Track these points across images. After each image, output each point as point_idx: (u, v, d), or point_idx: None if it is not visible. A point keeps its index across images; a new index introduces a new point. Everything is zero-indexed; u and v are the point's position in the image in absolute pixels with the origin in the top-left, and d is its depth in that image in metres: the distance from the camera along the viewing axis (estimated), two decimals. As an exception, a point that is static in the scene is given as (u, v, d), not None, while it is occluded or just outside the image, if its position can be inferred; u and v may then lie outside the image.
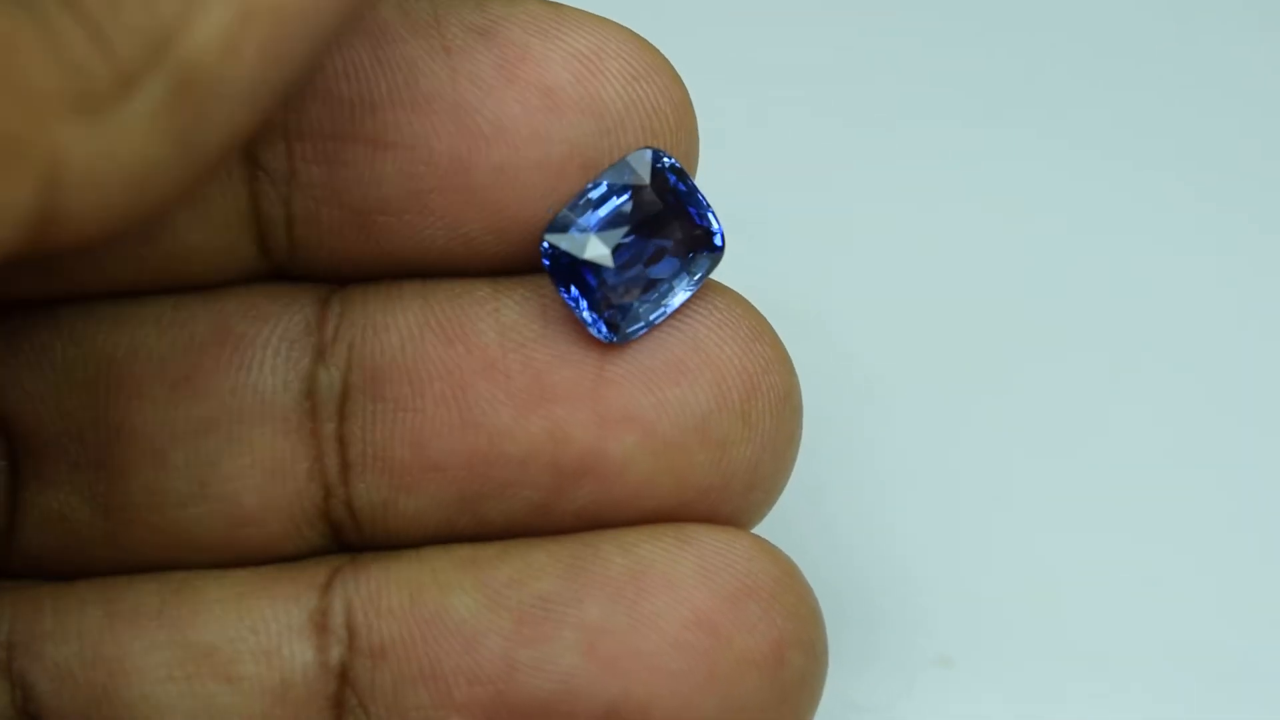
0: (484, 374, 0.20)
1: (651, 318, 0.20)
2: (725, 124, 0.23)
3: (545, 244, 0.19)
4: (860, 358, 0.29)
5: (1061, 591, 0.26)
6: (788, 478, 0.21)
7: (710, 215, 0.20)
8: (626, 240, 0.19)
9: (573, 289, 0.19)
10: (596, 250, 0.19)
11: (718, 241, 0.20)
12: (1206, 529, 0.27)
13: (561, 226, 0.19)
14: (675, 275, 0.20)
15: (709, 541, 0.19)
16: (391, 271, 0.20)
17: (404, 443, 0.20)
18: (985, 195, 0.31)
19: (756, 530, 0.21)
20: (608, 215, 0.19)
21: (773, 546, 0.20)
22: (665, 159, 0.19)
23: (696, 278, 0.20)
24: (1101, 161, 0.32)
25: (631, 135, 0.19)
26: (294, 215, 0.20)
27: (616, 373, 0.19)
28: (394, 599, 0.20)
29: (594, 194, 0.19)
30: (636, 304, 0.19)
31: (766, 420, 0.20)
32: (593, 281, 0.19)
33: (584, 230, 0.19)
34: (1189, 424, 0.28)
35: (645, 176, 0.19)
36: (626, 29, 0.20)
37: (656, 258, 0.20)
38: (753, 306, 0.20)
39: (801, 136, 0.32)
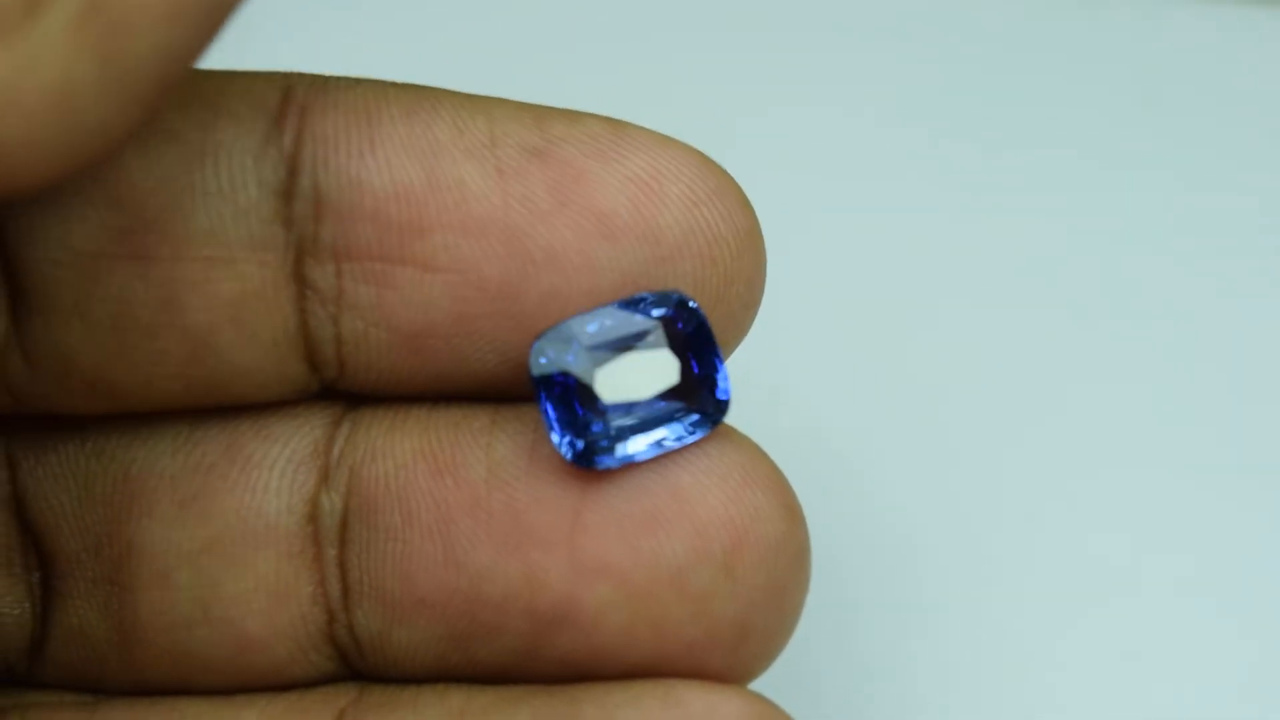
0: (469, 511, 0.19)
1: (627, 455, 0.19)
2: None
3: (536, 347, 0.19)
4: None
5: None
6: (790, 630, 0.19)
7: (721, 377, 0.19)
8: (624, 372, 0.19)
9: (549, 406, 0.19)
10: (584, 365, 0.18)
11: (721, 407, 0.19)
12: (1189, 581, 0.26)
13: (562, 336, 0.19)
14: (666, 422, 0.19)
15: (695, 702, 0.18)
16: (440, 393, 0.20)
17: (394, 574, 0.19)
18: (975, 225, 0.31)
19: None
20: (611, 340, 0.19)
21: (768, 705, 0.19)
22: (696, 309, 0.19)
23: (689, 436, 0.19)
24: (1095, 178, 0.32)
25: (689, 263, 0.19)
26: (342, 335, 0.19)
27: (593, 520, 0.19)
28: None
29: (607, 319, 0.19)
30: (614, 438, 0.19)
31: (755, 573, 0.19)
32: (575, 402, 0.19)
33: (579, 346, 0.19)
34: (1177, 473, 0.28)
35: (669, 317, 0.19)
36: (691, 149, 0.19)
37: (654, 399, 0.19)
38: (754, 447, 0.19)
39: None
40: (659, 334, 0.19)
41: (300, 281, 0.19)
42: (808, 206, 0.31)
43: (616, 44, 0.34)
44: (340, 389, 0.20)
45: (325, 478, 0.20)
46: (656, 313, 0.19)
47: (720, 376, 0.19)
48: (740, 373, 0.21)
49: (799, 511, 0.19)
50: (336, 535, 0.20)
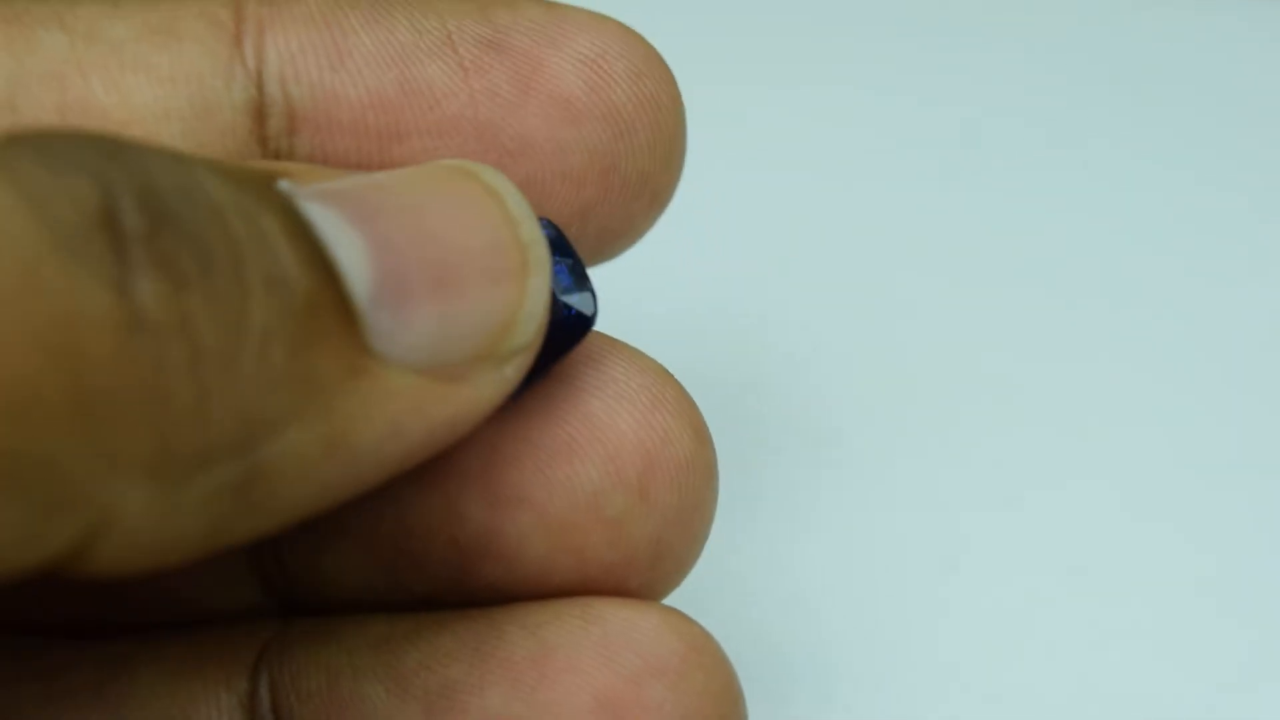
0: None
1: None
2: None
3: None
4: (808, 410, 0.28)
5: (979, 652, 0.26)
6: (701, 546, 0.20)
7: (579, 293, 0.19)
8: None
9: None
10: None
11: (585, 322, 0.19)
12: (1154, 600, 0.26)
13: None
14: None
15: (614, 619, 0.19)
16: None
17: None
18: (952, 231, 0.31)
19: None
20: None
21: (684, 619, 0.19)
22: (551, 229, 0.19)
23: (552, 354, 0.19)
24: (1088, 169, 0.32)
25: (642, 134, 0.20)
26: None
27: (508, 451, 0.19)
28: (312, 682, 0.20)
29: None
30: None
31: (667, 494, 0.19)
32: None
33: None
34: (1144, 487, 0.28)
35: None
36: (620, 24, 0.20)
37: None
38: (660, 370, 0.19)
39: (778, 148, 0.32)
40: None
41: None
42: (799, 197, 0.31)
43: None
44: None
45: None
46: None
47: (580, 291, 0.19)
48: (733, 362, 0.21)
49: (706, 432, 0.20)
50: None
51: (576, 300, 0.19)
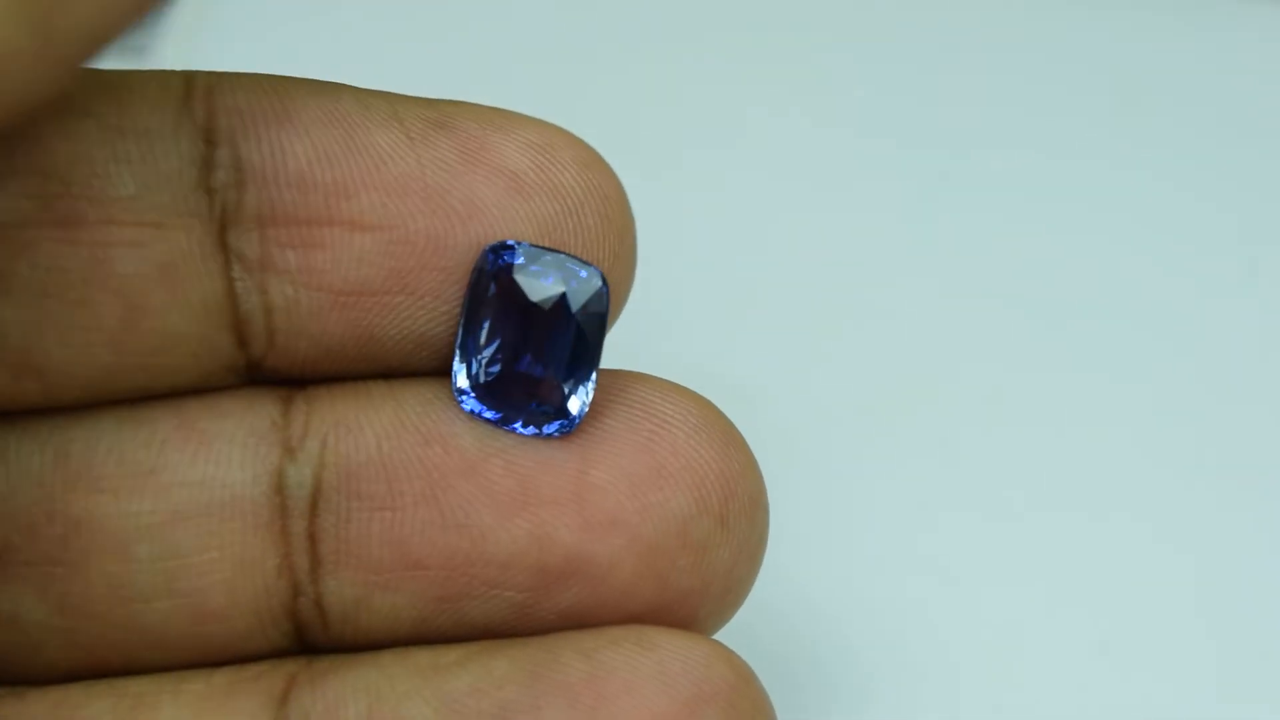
0: (464, 476, 0.20)
1: (580, 392, 0.20)
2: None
3: (464, 403, 0.20)
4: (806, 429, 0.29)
5: (1025, 673, 0.26)
6: (755, 579, 0.21)
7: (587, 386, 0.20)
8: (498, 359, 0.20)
9: (513, 423, 0.20)
10: (492, 368, 0.20)
11: (601, 293, 0.20)
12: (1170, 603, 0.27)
13: (457, 374, 0.20)
14: (574, 340, 0.20)
15: (668, 647, 0.19)
16: (371, 359, 0.20)
17: (381, 541, 0.20)
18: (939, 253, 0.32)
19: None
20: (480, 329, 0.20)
21: (729, 650, 0.20)
22: (510, 244, 0.20)
23: (595, 336, 0.20)
24: (1077, 176, 0.32)
25: (590, 217, 0.20)
26: (271, 303, 0.20)
27: (600, 478, 0.20)
28: (351, 710, 0.19)
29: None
30: (567, 394, 0.20)
31: (742, 524, 0.20)
32: (518, 396, 0.20)
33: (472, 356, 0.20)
34: (1158, 493, 0.28)
35: (492, 270, 0.20)
36: (564, 129, 0.20)
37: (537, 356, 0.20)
38: (720, 412, 0.20)
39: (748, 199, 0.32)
40: (497, 287, 0.20)
41: (225, 250, 0.19)
42: (785, 208, 0.31)
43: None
44: (268, 366, 0.20)
45: (289, 450, 0.20)
46: (482, 281, 0.20)
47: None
48: (718, 371, 0.22)
49: (760, 472, 0.20)
50: (306, 507, 0.20)
51: (579, 280, 0.20)
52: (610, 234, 0.20)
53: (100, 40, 0.16)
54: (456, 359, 0.20)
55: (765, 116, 0.33)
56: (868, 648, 0.26)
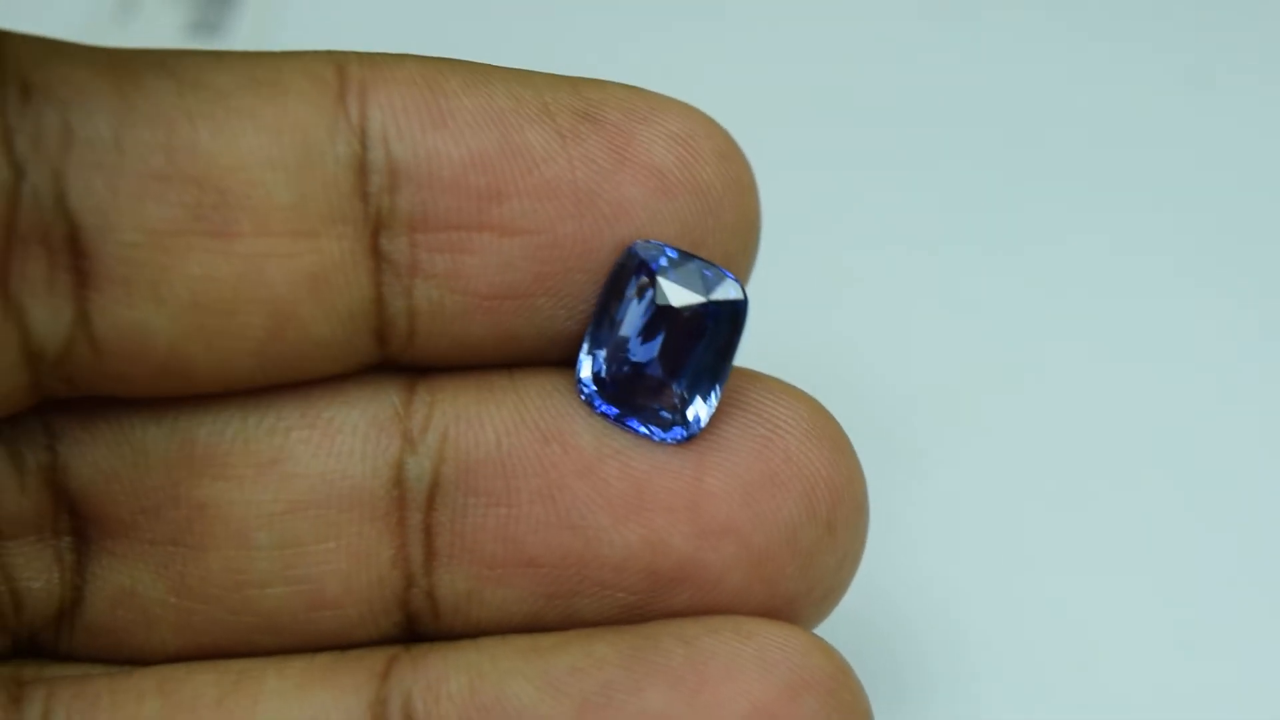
0: (581, 477, 0.20)
1: (707, 403, 0.20)
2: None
3: (583, 392, 0.20)
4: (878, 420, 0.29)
5: (1106, 669, 0.27)
6: (854, 578, 0.21)
7: (720, 282, 0.20)
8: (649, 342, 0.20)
9: (631, 420, 0.20)
10: (621, 365, 0.20)
11: (741, 306, 0.20)
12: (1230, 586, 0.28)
13: (584, 363, 0.20)
14: (708, 351, 0.20)
15: (767, 636, 0.20)
16: (507, 355, 0.20)
17: (496, 536, 0.20)
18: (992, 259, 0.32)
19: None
20: (620, 326, 0.20)
21: (826, 643, 0.20)
22: (660, 246, 0.20)
23: (728, 348, 0.20)
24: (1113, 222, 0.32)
25: (729, 215, 0.20)
26: (416, 307, 0.20)
27: (714, 485, 0.20)
28: (453, 686, 0.20)
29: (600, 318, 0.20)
30: (685, 397, 0.20)
31: (848, 530, 0.20)
32: (642, 397, 0.20)
33: (600, 347, 0.20)
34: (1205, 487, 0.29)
35: (641, 274, 0.20)
36: (700, 110, 0.20)
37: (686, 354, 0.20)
38: (832, 416, 0.21)
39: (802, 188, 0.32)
40: (643, 291, 0.20)
41: (376, 255, 0.20)
42: (814, 215, 0.32)
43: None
44: (404, 361, 0.21)
45: (410, 442, 0.20)
46: (629, 280, 0.20)
47: (719, 282, 0.20)
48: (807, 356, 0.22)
49: (864, 475, 0.21)
50: (424, 500, 0.20)
51: (721, 291, 0.20)
52: (743, 227, 0.21)
53: None
54: (585, 349, 0.20)
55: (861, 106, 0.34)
56: (944, 640, 0.26)
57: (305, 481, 0.20)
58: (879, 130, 0.33)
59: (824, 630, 0.21)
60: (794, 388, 0.21)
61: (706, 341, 0.20)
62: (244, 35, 0.32)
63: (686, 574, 0.20)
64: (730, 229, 0.20)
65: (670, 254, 0.20)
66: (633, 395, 0.20)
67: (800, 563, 0.20)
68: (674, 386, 0.20)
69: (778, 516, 0.20)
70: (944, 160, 0.33)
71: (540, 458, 0.20)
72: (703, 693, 0.19)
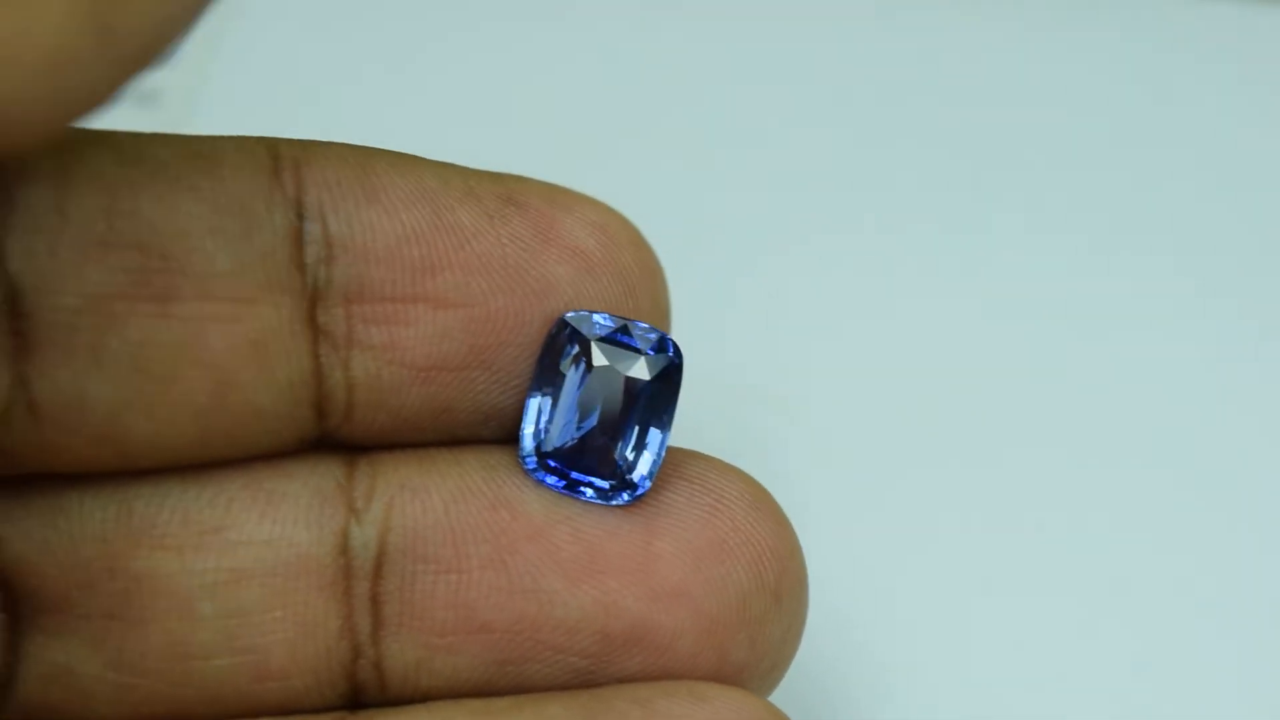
0: (532, 541, 0.20)
1: (650, 460, 0.20)
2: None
3: (527, 465, 0.20)
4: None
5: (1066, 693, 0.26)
6: (795, 655, 0.21)
7: (657, 452, 0.20)
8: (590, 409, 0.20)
9: (581, 490, 0.20)
10: (566, 437, 0.20)
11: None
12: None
13: (532, 449, 0.20)
14: (646, 409, 0.20)
15: (722, 701, 0.20)
16: (442, 430, 0.21)
17: (447, 604, 0.20)
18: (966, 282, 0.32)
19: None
20: (559, 403, 0.20)
21: (780, 711, 0.20)
22: (587, 314, 0.20)
23: (667, 403, 0.20)
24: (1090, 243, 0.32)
25: (645, 297, 0.21)
26: (354, 379, 0.20)
27: (664, 548, 0.20)
28: None
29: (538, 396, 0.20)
30: (628, 457, 0.20)
31: (793, 601, 0.21)
32: (588, 465, 0.20)
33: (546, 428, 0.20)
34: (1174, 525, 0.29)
35: (573, 343, 0.20)
36: (612, 209, 0.21)
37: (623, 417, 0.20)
38: (769, 494, 0.21)
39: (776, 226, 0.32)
40: (576, 360, 0.20)
41: (313, 326, 0.20)
42: (800, 221, 0.32)
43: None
44: (341, 435, 0.21)
45: (354, 511, 0.20)
46: (563, 354, 0.20)
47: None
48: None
49: (802, 550, 0.21)
50: (370, 569, 0.20)
51: (655, 351, 0.20)
52: (658, 312, 0.21)
53: (160, 41, 0.16)
54: (525, 424, 0.20)
55: (800, 122, 0.34)
56: (899, 672, 0.26)
57: (250, 549, 0.20)
58: (847, 141, 0.34)
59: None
60: (733, 466, 0.21)
61: (646, 402, 0.20)
62: (173, 104, 0.32)
63: (639, 636, 0.20)
64: (647, 312, 0.21)
65: (601, 320, 0.20)
66: (576, 463, 0.20)
67: (750, 631, 0.20)
68: (616, 450, 0.20)
69: (728, 582, 0.20)
70: (925, 163, 0.33)
71: (490, 524, 0.20)
72: None
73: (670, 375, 0.20)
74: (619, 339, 0.20)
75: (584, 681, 0.20)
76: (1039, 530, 0.28)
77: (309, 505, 0.20)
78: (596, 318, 0.20)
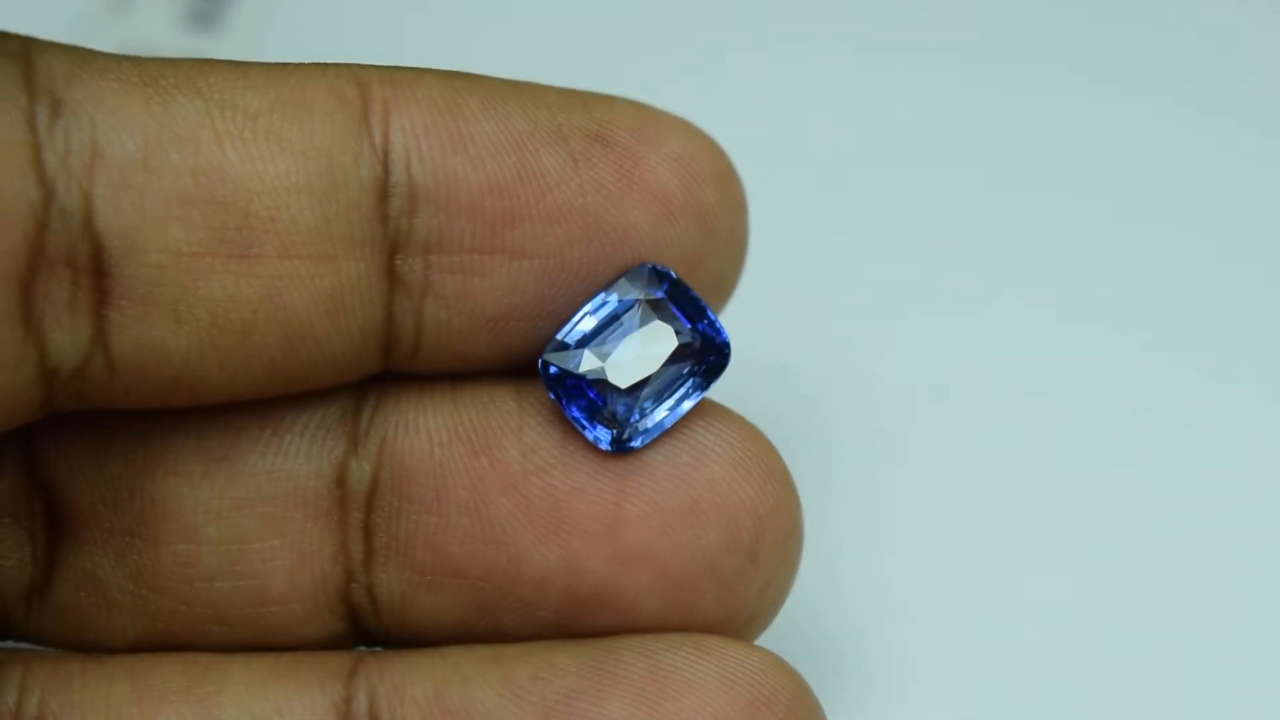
0: (505, 492, 0.20)
1: (658, 425, 0.20)
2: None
3: (542, 363, 0.20)
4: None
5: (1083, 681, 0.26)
6: (782, 605, 0.21)
7: (716, 324, 0.20)
8: (629, 353, 0.20)
9: (574, 407, 0.20)
10: (592, 364, 0.20)
11: (724, 351, 0.20)
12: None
13: (561, 346, 0.20)
14: (680, 382, 0.20)
15: (727, 652, 0.20)
16: (501, 368, 0.21)
17: (426, 545, 0.21)
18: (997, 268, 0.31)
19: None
20: (609, 330, 0.20)
21: (785, 662, 0.20)
22: (668, 272, 0.20)
23: (701, 387, 0.20)
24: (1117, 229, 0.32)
25: (724, 234, 0.21)
26: (424, 325, 0.20)
27: (633, 512, 0.20)
28: (418, 690, 0.20)
29: (596, 310, 0.20)
30: (637, 415, 0.20)
31: (772, 558, 0.20)
32: (594, 395, 0.20)
33: (583, 346, 0.20)
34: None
35: (649, 290, 0.20)
36: (700, 129, 0.21)
37: (663, 366, 0.20)
38: (767, 441, 0.21)
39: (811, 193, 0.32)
40: (645, 309, 0.20)
41: (391, 275, 0.20)
42: (812, 203, 0.32)
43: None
44: (403, 371, 0.21)
45: (354, 445, 0.21)
46: (634, 291, 0.20)
47: (716, 327, 0.20)
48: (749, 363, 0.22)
49: (799, 501, 0.21)
50: (364, 500, 0.21)
51: (707, 332, 0.20)
52: (735, 247, 0.21)
53: None
54: (563, 339, 0.20)
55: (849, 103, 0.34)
56: (906, 651, 0.26)
57: (253, 480, 0.21)
58: (872, 134, 0.33)
59: (793, 642, 0.21)
60: (728, 411, 0.21)
61: (682, 370, 0.20)
62: (239, 27, 0.32)
63: (602, 598, 0.20)
64: (724, 249, 0.21)
65: (670, 285, 0.20)
66: (587, 397, 0.20)
67: (720, 591, 0.20)
68: (628, 401, 0.20)
69: (696, 546, 0.20)
70: (942, 160, 0.33)
71: (469, 470, 0.20)
72: (664, 704, 0.20)
73: (715, 362, 0.20)
74: (676, 314, 0.20)
75: (556, 634, 0.20)
76: (1078, 520, 0.28)
77: (313, 436, 0.21)
78: (667, 279, 0.20)
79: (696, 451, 0.20)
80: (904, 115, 0.33)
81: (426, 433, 0.21)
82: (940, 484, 0.28)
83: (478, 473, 0.20)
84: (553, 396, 0.20)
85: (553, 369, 0.20)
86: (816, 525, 0.22)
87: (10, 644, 0.22)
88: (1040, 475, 0.28)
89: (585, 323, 0.20)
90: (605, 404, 0.20)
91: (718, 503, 0.20)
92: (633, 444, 0.20)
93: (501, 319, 0.20)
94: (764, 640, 0.21)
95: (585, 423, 0.20)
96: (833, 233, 0.32)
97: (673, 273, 0.20)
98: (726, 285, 0.21)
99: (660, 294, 0.20)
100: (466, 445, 0.20)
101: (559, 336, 0.20)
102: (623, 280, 0.20)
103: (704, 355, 0.20)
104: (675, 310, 0.20)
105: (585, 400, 0.20)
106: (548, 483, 0.20)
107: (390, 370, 0.21)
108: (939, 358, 0.30)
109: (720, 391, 0.21)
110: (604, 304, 0.20)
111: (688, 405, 0.20)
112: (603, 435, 0.20)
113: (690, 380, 0.20)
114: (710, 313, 0.20)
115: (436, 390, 0.21)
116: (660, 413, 0.20)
